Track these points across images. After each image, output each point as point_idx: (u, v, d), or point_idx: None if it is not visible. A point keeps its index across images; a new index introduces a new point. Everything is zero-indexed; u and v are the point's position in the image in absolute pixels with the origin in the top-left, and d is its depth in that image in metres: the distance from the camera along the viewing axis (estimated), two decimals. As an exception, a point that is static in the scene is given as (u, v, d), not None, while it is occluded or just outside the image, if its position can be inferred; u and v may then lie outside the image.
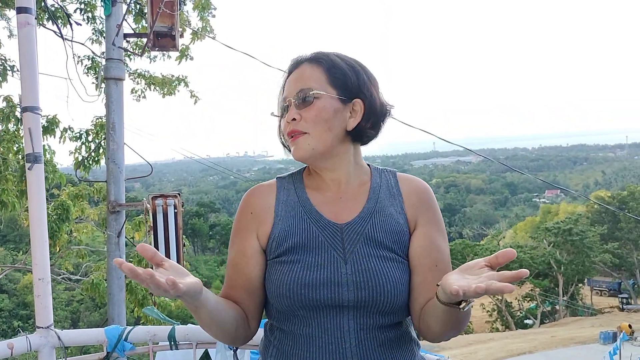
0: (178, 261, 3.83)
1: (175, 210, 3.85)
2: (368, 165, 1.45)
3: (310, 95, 1.26)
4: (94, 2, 7.74)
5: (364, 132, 1.34)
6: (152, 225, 3.74)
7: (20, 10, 1.79)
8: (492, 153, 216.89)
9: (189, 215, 75.05)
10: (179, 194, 3.93)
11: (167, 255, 3.81)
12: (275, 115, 1.38)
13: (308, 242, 1.25)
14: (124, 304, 3.95)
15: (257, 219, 1.34)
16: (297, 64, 1.33)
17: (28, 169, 1.74)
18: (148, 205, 3.78)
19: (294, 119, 1.28)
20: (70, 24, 5.05)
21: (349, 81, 1.29)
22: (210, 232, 77.96)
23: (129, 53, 6.39)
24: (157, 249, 3.94)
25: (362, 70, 1.33)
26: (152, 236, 3.78)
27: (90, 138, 7.58)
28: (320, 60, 1.31)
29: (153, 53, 7.91)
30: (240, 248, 1.35)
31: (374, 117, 1.33)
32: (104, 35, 5.04)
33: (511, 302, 41.27)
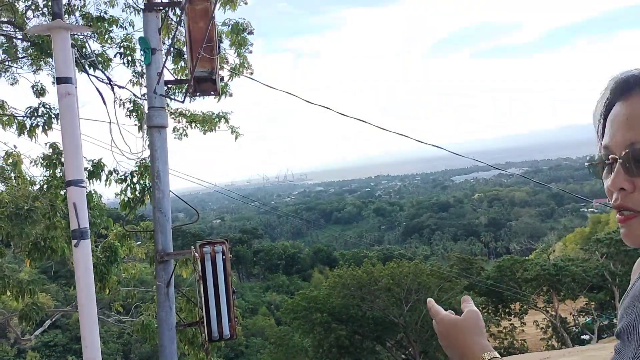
0: (229, 309, 3.76)
1: (224, 257, 3.78)
2: None
3: None
4: (133, 46, 7.89)
5: None
6: (200, 274, 3.69)
7: (61, 81, 1.75)
8: (535, 164, 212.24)
9: (233, 242, 75.56)
10: (226, 240, 3.86)
11: (218, 304, 3.73)
12: (592, 163, 0.99)
13: None
14: (175, 357, 3.88)
15: None
16: (628, 89, 0.90)
17: (75, 245, 1.68)
18: (196, 254, 3.72)
19: (622, 189, 0.90)
20: (112, 87, 5.11)
21: None
22: (255, 259, 78.31)
23: (170, 99, 6.45)
24: (207, 298, 3.88)
25: None
26: (202, 285, 3.71)
27: (135, 180, 7.66)
28: None
29: (193, 92, 7.99)
30: None
31: None
32: (145, 78, 5.09)
33: (566, 318, 39.79)
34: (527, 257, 49.29)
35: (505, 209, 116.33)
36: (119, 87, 6.52)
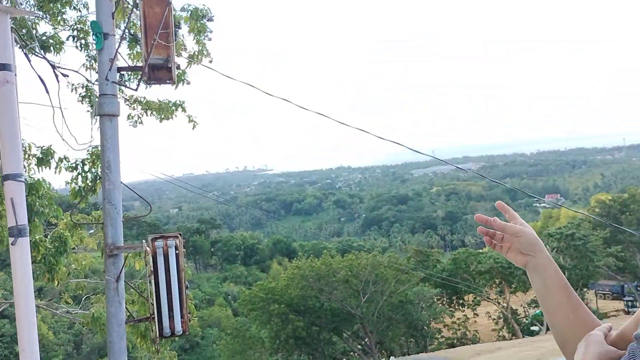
0: (181, 305, 3.66)
1: (177, 252, 3.67)
2: None
3: None
4: (87, 29, 7.60)
5: None
6: (152, 269, 3.57)
7: None
8: (491, 159, 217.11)
9: (190, 232, 74.76)
10: (180, 234, 3.75)
11: (170, 299, 3.63)
12: None
13: None
14: (125, 353, 3.75)
15: None
16: None
17: (11, 244, 1.56)
18: (148, 248, 3.60)
19: None
20: (56, 75, 4.89)
21: None
22: (212, 249, 77.62)
23: (123, 88, 6.24)
24: (159, 294, 3.77)
25: None
26: (153, 280, 3.60)
27: (86, 168, 7.40)
28: None
29: (149, 79, 7.76)
30: None
31: None
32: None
33: (517, 309, 40.94)
34: (481, 250, 50.45)
35: (461, 202, 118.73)
36: (65, 72, 6.25)
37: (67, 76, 6.04)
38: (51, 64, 5.86)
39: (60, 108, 4.09)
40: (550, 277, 1.27)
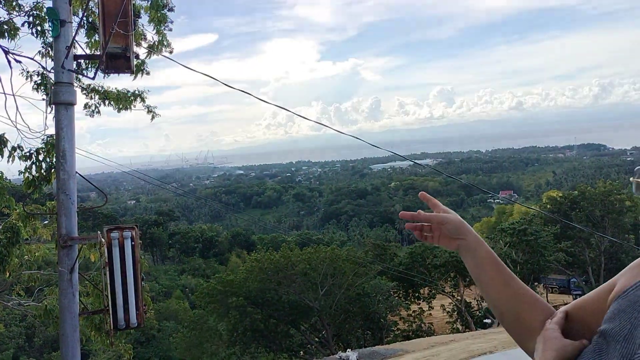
0: (136, 297, 3.64)
1: (133, 243, 3.64)
2: None
3: None
4: (44, 16, 7.40)
5: None
6: (107, 260, 3.53)
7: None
8: (448, 156, 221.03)
9: (148, 224, 73.52)
10: (136, 226, 3.72)
11: (125, 292, 3.60)
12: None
13: None
14: (78, 345, 3.69)
15: None
16: None
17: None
18: (103, 240, 3.56)
19: None
20: (9, 61, 4.76)
21: None
22: (170, 241, 76.55)
23: (79, 76, 6.11)
24: (114, 286, 3.74)
25: None
26: (108, 272, 3.56)
27: (41, 157, 7.23)
28: None
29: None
30: None
31: None
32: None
33: (470, 302, 41.92)
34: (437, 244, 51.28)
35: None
36: (19, 59, 6.08)
37: (20, 62, 5.87)
38: (4, 50, 5.70)
39: (14, 95, 4.00)
40: (481, 256, 1.33)
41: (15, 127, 4.76)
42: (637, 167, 1.19)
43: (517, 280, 1.32)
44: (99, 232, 3.78)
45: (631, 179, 1.16)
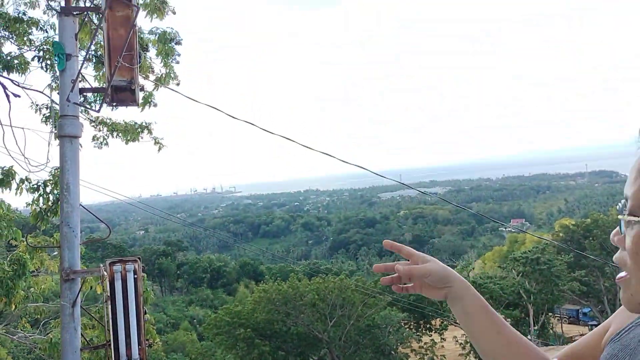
0: (139, 331, 3.58)
1: (135, 276, 3.60)
2: None
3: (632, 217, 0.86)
4: (53, 50, 7.52)
5: None
6: (109, 294, 3.48)
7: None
8: (457, 184, 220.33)
9: (156, 254, 73.45)
10: (139, 259, 3.68)
11: (127, 326, 3.54)
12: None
13: None
14: (80, 381, 3.63)
15: None
16: None
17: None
18: (105, 273, 3.52)
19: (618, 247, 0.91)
20: (7, 96, 4.82)
21: None
22: (178, 272, 76.34)
23: (85, 109, 6.17)
24: (116, 320, 3.68)
25: None
26: (110, 306, 3.51)
27: (48, 189, 7.26)
28: None
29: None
30: None
31: None
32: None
33: (483, 334, 41.30)
34: (447, 274, 50.69)
35: (428, 226, 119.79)
36: (19, 92, 6.15)
37: (19, 96, 5.93)
38: (1, 85, 5.77)
39: (11, 127, 4.02)
40: (469, 303, 1.22)
41: (24, 159, 4.78)
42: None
43: (510, 328, 1.22)
44: (101, 265, 3.74)
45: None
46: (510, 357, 1.18)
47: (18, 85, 7.07)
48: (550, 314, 43.90)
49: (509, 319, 40.32)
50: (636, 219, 0.84)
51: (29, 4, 7.50)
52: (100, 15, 3.76)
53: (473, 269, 56.02)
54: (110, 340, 3.52)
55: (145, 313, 3.64)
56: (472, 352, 40.32)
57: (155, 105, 7.50)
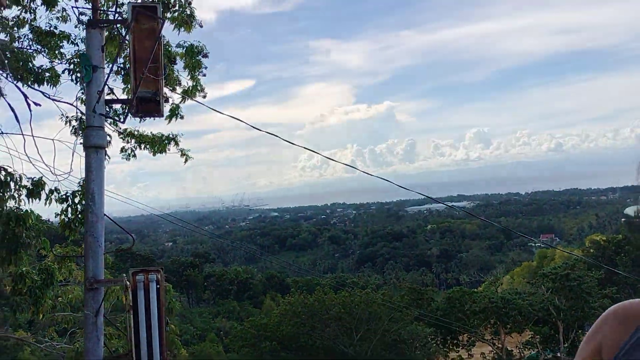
0: (160, 341, 3.57)
1: (158, 286, 3.61)
2: None
3: None
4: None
5: None
6: (131, 303, 3.49)
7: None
8: (486, 198, 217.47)
9: (184, 266, 74.04)
10: (161, 269, 3.69)
11: (149, 336, 3.54)
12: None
13: None
14: (101, 391, 3.65)
15: None
16: None
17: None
18: (128, 283, 3.54)
19: None
20: (28, 105, 4.92)
21: None
22: (205, 283, 76.80)
23: (110, 120, 6.27)
24: (138, 330, 3.68)
25: None
26: (132, 316, 3.52)
27: (77, 200, 7.36)
28: None
29: (142, 112, 7.82)
30: None
31: None
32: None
33: (512, 350, 40.38)
34: (476, 289, 50.00)
35: (456, 240, 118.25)
36: (39, 102, 6.28)
37: (40, 105, 6.05)
38: (24, 94, 5.89)
39: (33, 137, 4.09)
40: None
41: (49, 169, 4.87)
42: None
43: None
44: (124, 275, 3.76)
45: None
46: None
47: (48, 98, 7.23)
48: (580, 331, 42.78)
49: (538, 336, 39.43)
50: None
51: (60, 18, 7.68)
52: (127, 28, 3.83)
53: (501, 284, 55.06)
54: (132, 350, 3.52)
55: (167, 324, 3.64)
56: (500, 369, 39.47)
57: (182, 117, 7.58)
